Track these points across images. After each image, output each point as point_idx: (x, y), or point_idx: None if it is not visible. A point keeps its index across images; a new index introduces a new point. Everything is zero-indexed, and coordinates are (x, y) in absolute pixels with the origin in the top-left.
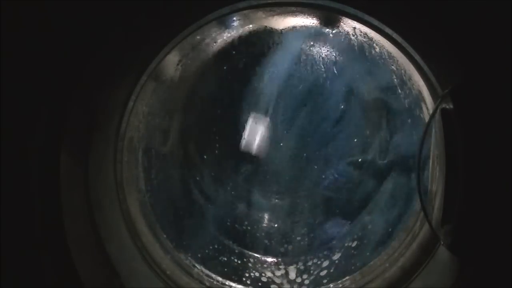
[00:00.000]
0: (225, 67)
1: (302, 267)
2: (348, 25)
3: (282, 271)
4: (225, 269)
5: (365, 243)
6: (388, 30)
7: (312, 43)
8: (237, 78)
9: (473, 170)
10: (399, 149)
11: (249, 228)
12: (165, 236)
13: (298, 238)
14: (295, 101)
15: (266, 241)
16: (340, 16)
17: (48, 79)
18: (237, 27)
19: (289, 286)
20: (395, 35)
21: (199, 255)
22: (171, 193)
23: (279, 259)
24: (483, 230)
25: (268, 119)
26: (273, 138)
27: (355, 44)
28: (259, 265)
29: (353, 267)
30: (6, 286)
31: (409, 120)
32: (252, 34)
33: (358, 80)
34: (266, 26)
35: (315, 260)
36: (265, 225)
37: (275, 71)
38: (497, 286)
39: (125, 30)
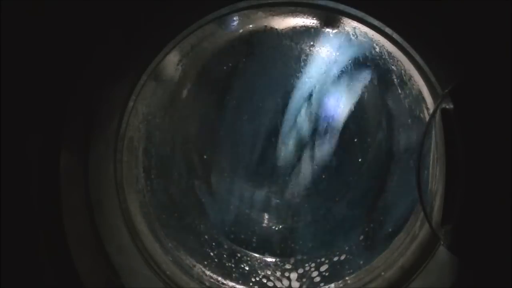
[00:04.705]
0: (225, 67)
1: (301, 270)
2: (348, 25)
3: (283, 271)
4: (225, 269)
5: (364, 244)
6: (388, 30)
7: (312, 43)
8: (237, 78)
9: (473, 170)
10: (399, 150)
11: (249, 228)
12: (165, 236)
13: (299, 239)
14: (295, 101)
15: (266, 242)
16: (340, 16)
17: (48, 78)
18: (237, 27)
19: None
20: (395, 35)
21: (199, 255)
22: (171, 193)
23: (280, 260)
24: (483, 231)
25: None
26: (272, 139)
27: (355, 44)
28: (259, 265)
29: (352, 268)
30: (6, 286)
31: (409, 120)
32: (252, 34)
33: (358, 80)
34: (266, 26)
35: (313, 263)
36: (265, 226)
37: (275, 71)
38: (497, 286)
39: (125, 30)
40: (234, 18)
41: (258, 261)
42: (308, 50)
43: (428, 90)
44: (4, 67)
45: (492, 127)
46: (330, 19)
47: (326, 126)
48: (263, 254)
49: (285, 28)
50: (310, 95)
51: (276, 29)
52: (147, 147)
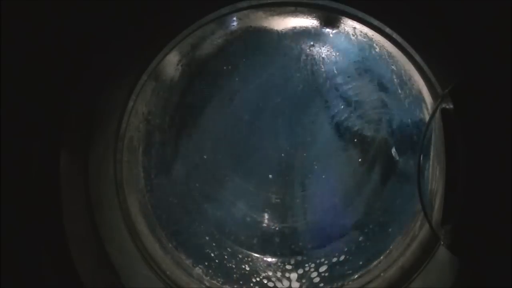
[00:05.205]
0: (225, 67)
1: (301, 270)
2: (348, 25)
3: (282, 271)
4: (226, 270)
5: (363, 245)
6: (388, 30)
7: (312, 43)
8: (236, 78)
9: (473, 170)
10: (399, 150)
11: (249, 229)
12: (165, 236)
13: (299, 239)
14: (295, 101)
15: (266, 242)
16: (340, 16)
17: (48, 79)
18: (237, 27)
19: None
20: (395, 35)
21: (199, 256)
22: (171, 193)
23: (280, 261)
24: (483, 230)
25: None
26: (273, 139)
27: (355, 44)
28: (260, 266)
29: (352, 268)
30: (6, 286)
31: (409, 120)
32: (252, 34)
33: (358, 80)
34: (266, 27)
35: (313, 263)
36: (266, 226)
37: (275, 71)
38: (497, 286)
39: (125, 30)
40: (234, 18)
41: (260, 262)
42: (308, 50)
43: (428, 90)
44: (5, 67)
45: (492, 127)
46: (330, 19)
47: (326, 125)
48: (263, 254)
49: (285, 28)
50: (310, 95)
51: (276, 29)
52: (147, 147)
